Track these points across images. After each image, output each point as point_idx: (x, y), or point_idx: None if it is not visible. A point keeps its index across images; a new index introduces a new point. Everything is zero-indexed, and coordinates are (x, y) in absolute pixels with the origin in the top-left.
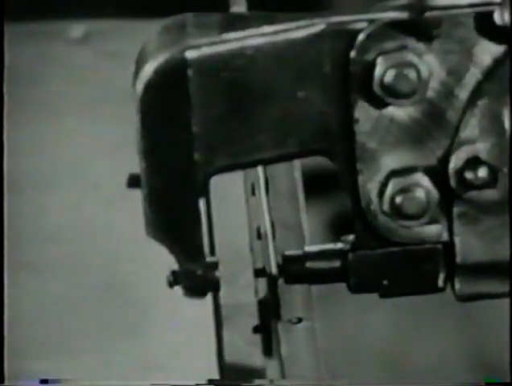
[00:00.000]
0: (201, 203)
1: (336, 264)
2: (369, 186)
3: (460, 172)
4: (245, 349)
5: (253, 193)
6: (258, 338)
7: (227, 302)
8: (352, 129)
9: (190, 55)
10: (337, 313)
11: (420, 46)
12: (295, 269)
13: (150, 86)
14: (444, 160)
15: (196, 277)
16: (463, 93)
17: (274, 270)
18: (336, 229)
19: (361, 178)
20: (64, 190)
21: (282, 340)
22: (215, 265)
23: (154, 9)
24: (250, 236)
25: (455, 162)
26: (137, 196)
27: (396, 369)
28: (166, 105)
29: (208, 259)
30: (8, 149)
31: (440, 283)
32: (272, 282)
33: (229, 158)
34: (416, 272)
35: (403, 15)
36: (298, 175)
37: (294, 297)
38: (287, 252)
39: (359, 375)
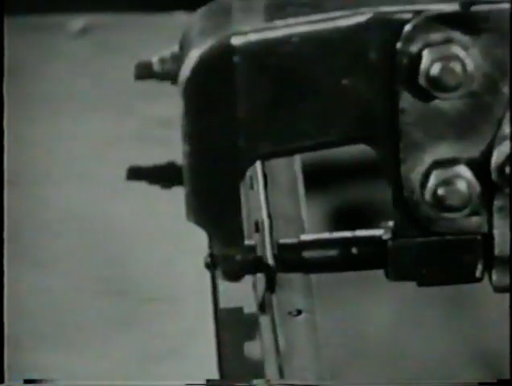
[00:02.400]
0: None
1: (333, 253)
2: (412, 176)
3: (501, 166)
4: (245, 340)
5: (252, 187)
6: (255, 330)
7: (225, 295)
8: (396, 119)
9: (236, 41)
10: (337, 306)
11: (466, 39)
12: (290, 258)
13: (195, 72)
14: (487, 153)
15: (235, 261)
16: (507, 88)
17: (271, 262)
18: (336, 222)
19: (403, 168)
20: (64, 185)
21: (282, 333)
22: (253, 249)
23: (155, 2)
24: (249, 229)
25: (497, 156)
26: (137, 190)
27: (396, 363)
28: (211, 91)
29: (247, 242)
30: (8, 143)
31: (478, 274)
32: (269, 275)
33: (272, 144)
34: (455, 262)
35: (450, 8)
36: (298, 168)
37: (294, 289)
38: (282, 241)
39: (359, 368)
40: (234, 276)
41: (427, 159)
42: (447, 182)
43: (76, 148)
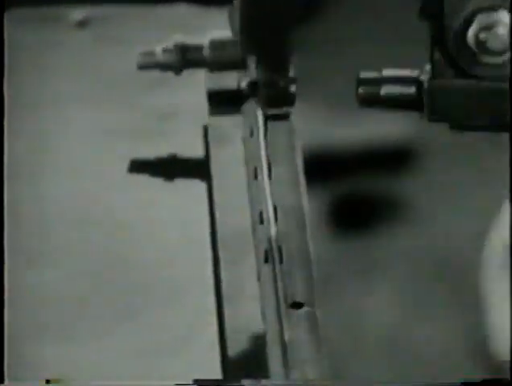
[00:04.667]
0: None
1: (412, 90)
2: (455, 20)
3: None
4: (247, 332)
5: (256, 177)
6: (259, 323)
7: (229, 286)
8: None
9: None
10: (338, 300)
11: None
12: (369, 92)
13: None
14: None
15: (278, 88)
16: None
17: (276, 254)
18: (337, 213)
19: (447, 12)
20: (65, 177)
21: (284, 326)
22: (294, 81)
23: None
24: (253, 220)
25: None
26: (137, 182)
27: (397, 356)
28: None
29: (290, 74)
30: (8, 135)
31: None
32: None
33: None
34: (489, 107)
35: None
36: (299, 160)
37: (295, 282)
38: (362, 74)
39: (360, 360)
40: (275, 103)
41: (472, 4)
42: (489, 27)
43: (77, 140)
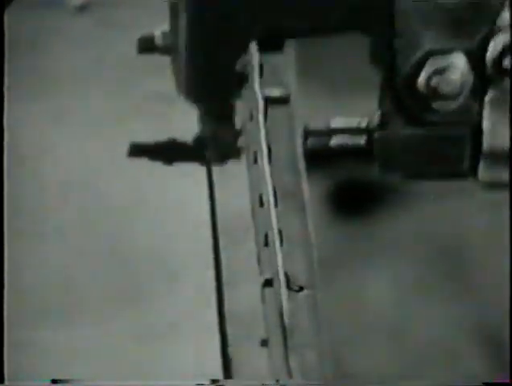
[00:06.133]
0: (238, 66)
1: (361, 140)
2: (406, 64)
3: (497, 58)
4: (247, 315)
5: (256, 161)
6: (259, 306)
7: (229, 269)
8: (394, 6)
9: None
10: (339, 282)
11: None
12: (318, 144)
13: None
14: (483, 46)
15: (223, 143)
16: None
17: (277, 241)
18: (338, 197)
19: (398, 56)
20: (66, 161)
21: (284, 309)
22: (240, 133)
23: None
24: (252, 204)
25: (493, 48)
26: (138, 166)
27: (398, 339)
28: None
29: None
30: (8, 120)
31: (465, 168)
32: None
33: (271, 19)
34: (442, 155)
35: None
36: (298, 144)
37: (296, 266)
38: (311, 127)
39: (360, 344)
40: (221, 157)
41: (423, 48)
42: (440, 72)
43: (77, 124)
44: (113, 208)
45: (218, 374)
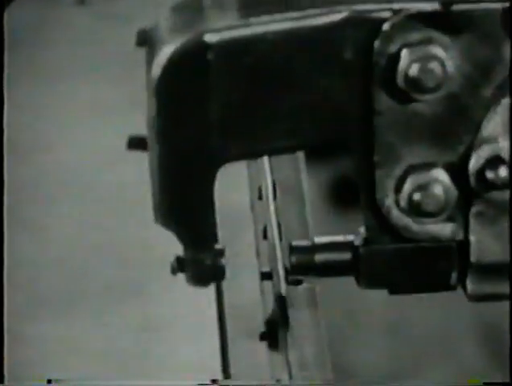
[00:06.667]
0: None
1: (346, 256)
2: (386, 180)
3: (480, 171)
4: (246, 309)
5: None
6: (258, 300)
7: (228, 263)
8: (371, 121)
9: (210, 38)
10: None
11: (446, 39)
12: (302, 260)
13: (167, 70)
14: (465, 157)
15: (204, 266)
16: (487, 90)
17: (275, 233)
18: (337, 190)
19: (377, 172)
20: (64, 152)
21: (284, 302)
22: (222, 253)
23: None
24: (251, 196)
25: (476, 161)
26: (136, 158)
27: (397, 333)
28: (183, 90)
29: (216, 246)
30: (8, 111)
31: (452, 282)
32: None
33: (245, 145)
34: (428, 270)
35: (430, 6)
36: None
37: None
38: (295, 243)
39: (359, 337)
40: (202, 281)
41: (403, 163)
42: (423, 187)
43: (76, 116)
44: (113, 199)
45: (217, 365)
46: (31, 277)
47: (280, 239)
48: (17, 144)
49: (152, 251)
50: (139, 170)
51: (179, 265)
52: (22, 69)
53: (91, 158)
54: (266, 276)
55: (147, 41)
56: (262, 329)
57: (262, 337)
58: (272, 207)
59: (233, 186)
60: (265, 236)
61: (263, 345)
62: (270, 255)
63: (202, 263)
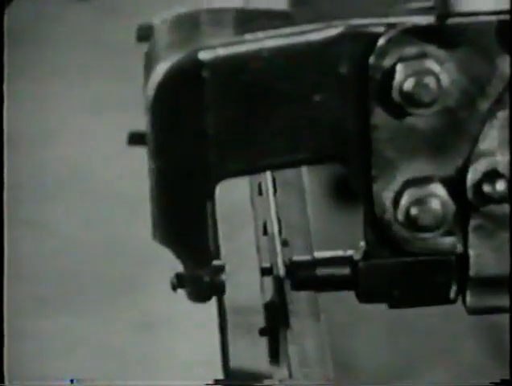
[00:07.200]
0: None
1: (346, 271)
2: (384, 194)
3: (477, 185)
4: (246, 304)
5: None
6: (258, 295)
7: (228, 259)
8: (368, 135)
9: (205, 56)
10: None
11: (442, 53)
12: (303, 275)
13: (162, 87)
14: (462, 171)
15: (203, 283)
16: (484, 104)
17: (275, 229)
18: (337, 186)
19: (375, 187)
20: (64, 148)
21: (283, 298)
22: (222, 269)
23: None
24: (251, 192)
25: (473, 174)
26: (136, 154)
27: (397, 327)
28: (179, 107)
29: (215, 262)
30: (8, 107)
31: (452, 295)
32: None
33: (242, 162)
34: (428, 283)
35: (425, 21)
36: None
37: (294, 253)
38: (295, 258)
39: (359, 331)
40: (202, 297)
41: (400, 177)
42: (420, 202)
43: (75, 112)
44: (112, 196)
45: (217, 360)
46: (31, 273)
47: (280, 234)
48: (16, 141)
49: (152, 248)
50: (138, 166)
51: (179, 282)
52: (22, 66)
53: (90, 154)
54: (266, 271)
55: (145, 57)
56: (262, 324)
57: (262, 332)
58: (272, 203)
59: (233, 182)
60: (265, 232)
61: (263, 340)
62: (271, 250)
63: (201, 280)
